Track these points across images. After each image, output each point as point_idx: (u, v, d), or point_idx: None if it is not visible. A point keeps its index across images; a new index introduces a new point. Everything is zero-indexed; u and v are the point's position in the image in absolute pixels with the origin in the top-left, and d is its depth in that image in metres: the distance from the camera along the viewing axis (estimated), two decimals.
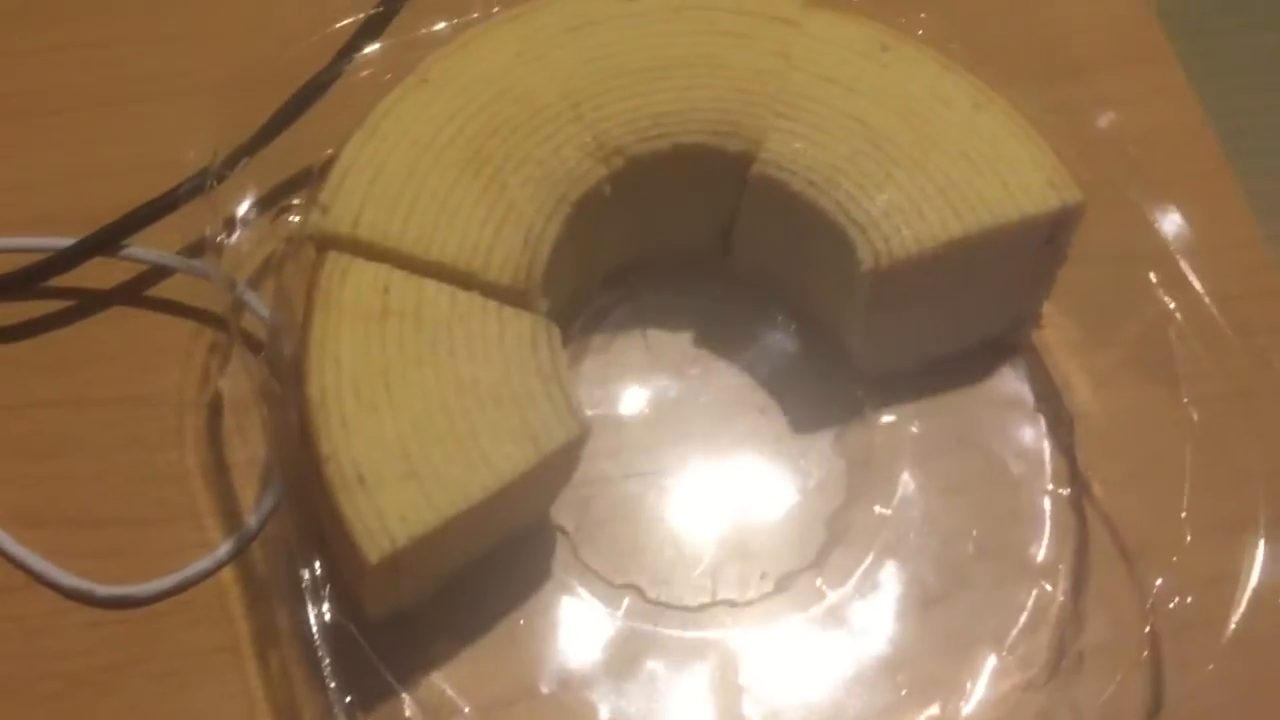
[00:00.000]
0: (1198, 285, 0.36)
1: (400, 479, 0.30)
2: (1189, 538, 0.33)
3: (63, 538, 0.36)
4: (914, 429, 0.38)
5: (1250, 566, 0.33)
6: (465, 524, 0.31)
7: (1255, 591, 0.32)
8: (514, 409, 0.32)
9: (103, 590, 0.35)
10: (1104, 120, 0.38)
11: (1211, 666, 0.32)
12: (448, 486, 0.31)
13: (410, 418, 0.31)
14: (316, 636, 0.31)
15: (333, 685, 0.30)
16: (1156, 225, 0.36)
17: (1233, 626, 0.32)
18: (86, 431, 0.38)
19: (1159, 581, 0.34)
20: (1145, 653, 0.34)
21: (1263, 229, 0.41)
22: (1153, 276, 0.36)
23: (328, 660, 0.31)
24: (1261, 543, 0.33)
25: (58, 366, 0.38)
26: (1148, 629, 0.34)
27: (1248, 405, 0.35)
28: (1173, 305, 0.36)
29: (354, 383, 0.31)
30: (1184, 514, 0.34)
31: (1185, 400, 0.35)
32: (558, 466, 0.33)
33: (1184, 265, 0.36)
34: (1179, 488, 0.34)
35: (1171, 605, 0.33)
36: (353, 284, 0.33)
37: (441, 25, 0.38)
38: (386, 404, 0.31)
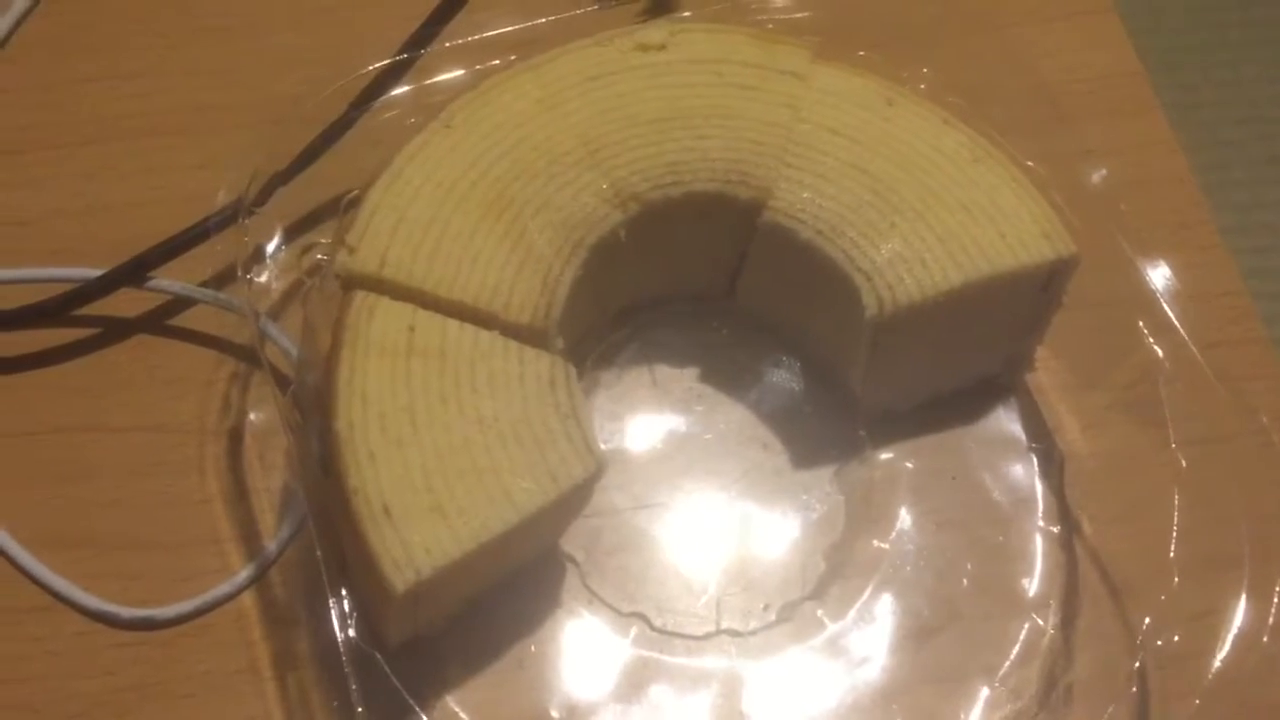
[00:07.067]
0: (1184, 333, 0.37)
1: (425, 512, 0.32)
2: (1176, 578, 0.35)
3: (87, 561, 0.37)
4: (911, 466, 0.39)
5: (1235, 606, 0.34)
6: (485, 555, 0.32)
7: (1239, 630, 0.34)
8: (534, 446, 0.33)
9: (125, 612, 0.36)
10: (1096, 173, 0.40)
11: (1198, 702, 0.33)
12: (470, 520, 0.32)
13: (434, 453, 0.32)
14: (345, 660, 0.32)
15: (360, 710, 0.31)
16: (1145, 274, 0.38)
17: (1218, 664, 0.33)
18: (111, 457, 0.39)
19: (1147, 619, 0.35)
20: (1133, 688, 0.35)
21: (1239, 264, 0.43)
22: (1141, 324, 0.38)
23: (354, 685, 0.32)
24: (1246, 583, 0.34)
25: (84, 393, 0.40)
26: (1136, 664, 0.35)
27: (1232, 449, 0.36)
28: (1160, 352, 0.37)
29: (380, 418, 0.32)
30: (1171, 554, 0.35)
31: (1173, 444, 0.36)
32: (573, 500, 0.34)
33: (1171, 313, 0.37)
34: (1166, 528, 0.35)
35: (1159, 643, 0.35)
36: (379, 323, 0.34)
37: (462, 72, 0.39)
38: (412, 439, 0.32)
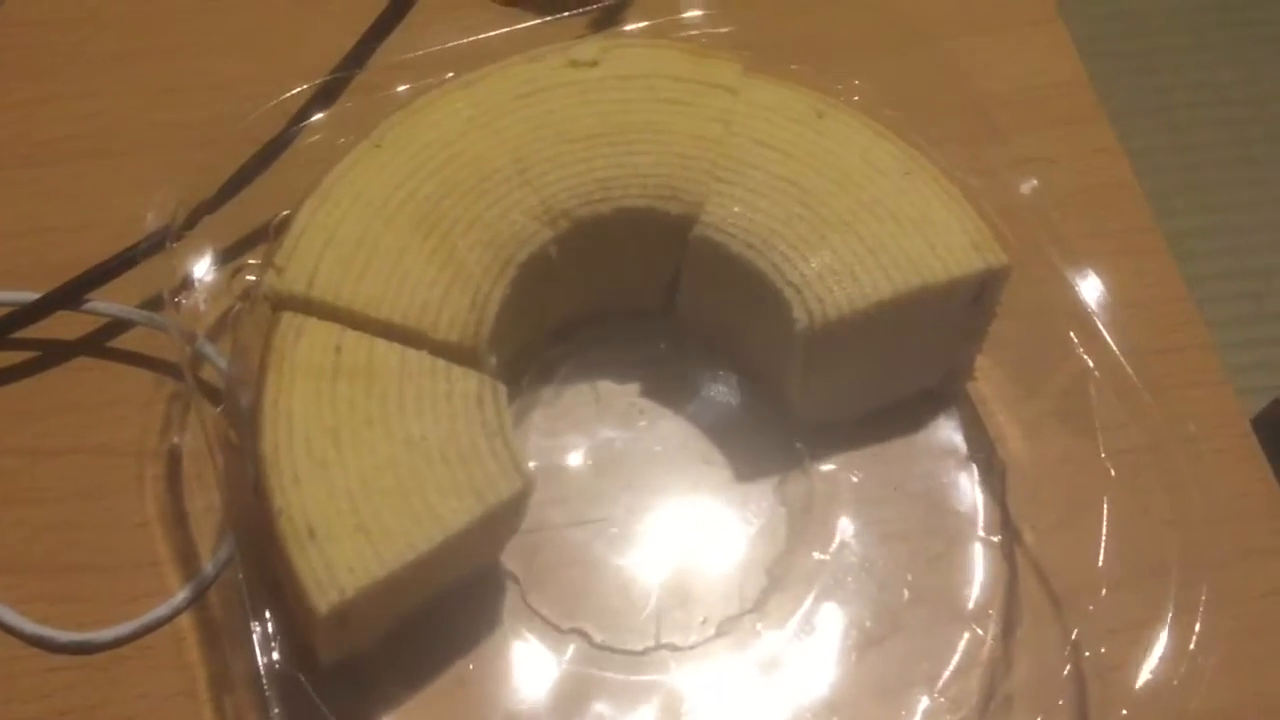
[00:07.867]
0: (1113, 343, 0.37)
1: (350, 532, 0.32)
2: (1104, 589, 0.35)
3: (23, 584, 0.37)
4: (852, 478, 0.39)
5: (1164, 615, 0.34)
6: (413, 574, 0.32)
7: (1167, 639, 0.34)
8: (460, 465, 0.33)
9: (62, 636, 0.36)
10: (1027, 184, 0.40)
11: (1125, 712, 0.33)
12: (395, 539, 0.32)
13: (360, 473, 0.32)
14: (266, 685, 0.32)
15: None
16: (1075, 284, 0.38)
17: (1146, 674, 0.33)
18: (48, 480, 0.39)
19: (1075, 630, 0.35)
20: (1060, 701, 0.35)
21: (1183, 271, 0.43)
22: (1072, 334, 0.38)
23: (275, 709, 0.32)
24: (1173, 592, 0.34)
25: (21, 416, 0.39)
26: (1065, 673, 0.35)
27: (1160, 458, 0.36)
28: (1090, 361, 0.37)
29: (306, 440, 0.32)
30: (1100, 564, 0.35)
31: (1103, 454, 0.36)
32: (504, 518, 0.34)
33: (1100, 324, 0.37)
34: (1100, 537, 0.36)
35: (1087, 654, 0.35)
36: (306, 343, 0.34)
37: (396, 89, 0.39)
38: (337, 460, 0.32)
